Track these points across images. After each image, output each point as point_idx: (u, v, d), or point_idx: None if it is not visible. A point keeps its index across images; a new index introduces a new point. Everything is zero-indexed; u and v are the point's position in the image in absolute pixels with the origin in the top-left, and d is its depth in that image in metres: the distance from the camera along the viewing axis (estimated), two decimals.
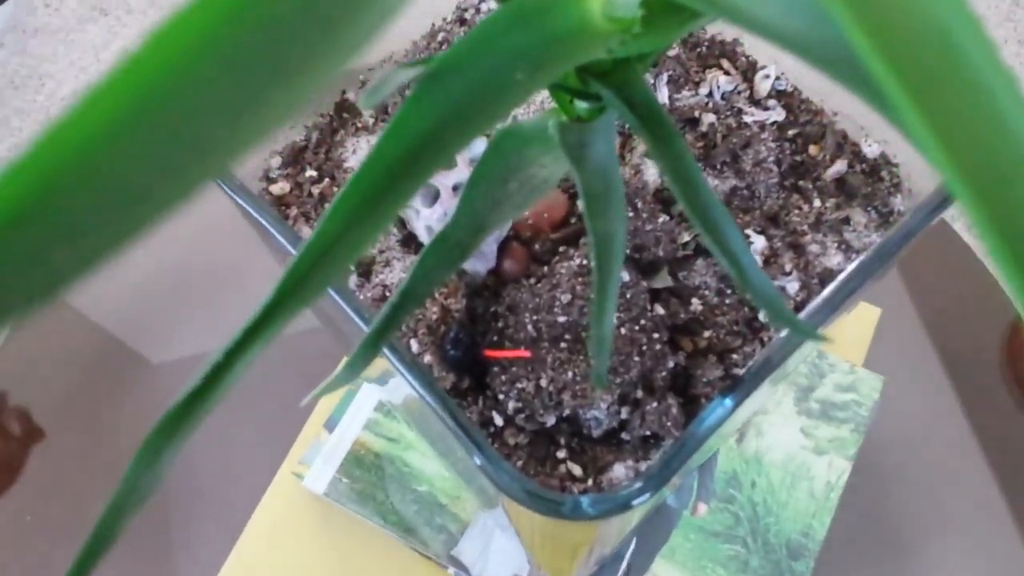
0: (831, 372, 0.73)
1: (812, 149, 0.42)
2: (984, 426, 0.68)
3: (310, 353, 0.65)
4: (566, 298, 0.36)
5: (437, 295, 0.38)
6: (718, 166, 0.41)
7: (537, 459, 0.36)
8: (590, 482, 0.36)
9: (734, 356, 0.37)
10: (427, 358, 0.36)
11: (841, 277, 0.32)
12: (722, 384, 0.36)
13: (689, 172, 0.25)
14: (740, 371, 0.36)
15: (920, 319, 0.72)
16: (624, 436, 0.37)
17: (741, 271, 0.22)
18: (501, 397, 0.36)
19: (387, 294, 0.38)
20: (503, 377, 0.36)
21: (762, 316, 0.38)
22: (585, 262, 0.37)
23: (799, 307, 0.38)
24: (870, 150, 0.41)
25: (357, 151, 0.42)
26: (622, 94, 0.28)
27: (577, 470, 0.36)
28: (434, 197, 0.37)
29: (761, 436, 0.71)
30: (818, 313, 0.32)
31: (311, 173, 0.41)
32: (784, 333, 0.34)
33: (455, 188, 0.37)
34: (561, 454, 0.36)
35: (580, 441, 0.37)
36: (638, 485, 0.30)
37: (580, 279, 0.37)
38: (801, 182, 0.41)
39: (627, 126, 0.43)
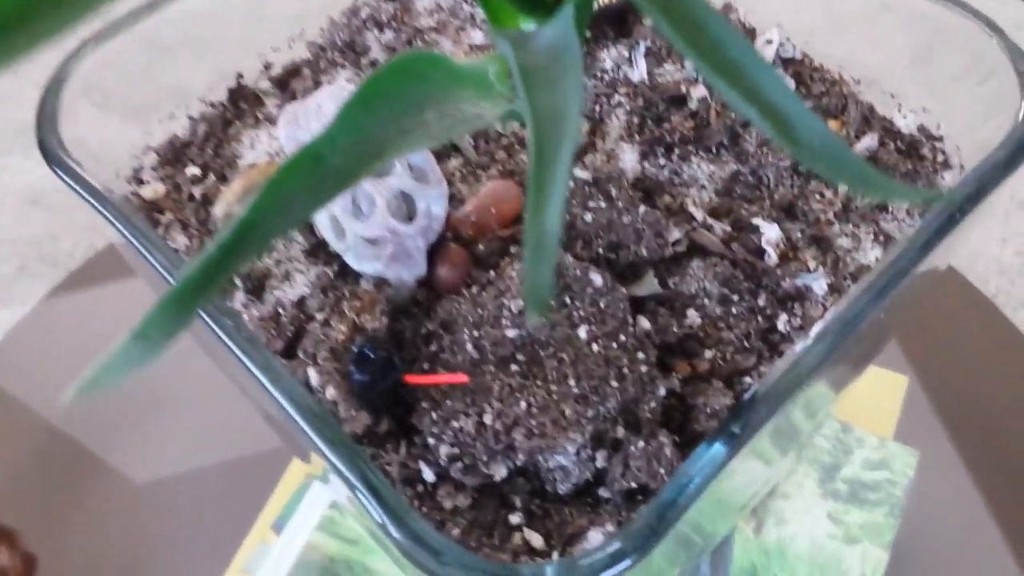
0: (858, 448, 0.64)
1: (832, 124, 0.34)
2: None
3: (261, 450, 0.57)
4: (517, 306, 0.28)
5: (347, 310, 0.29)
6: (713, 148, 0.33)
7: (482, 527, 0.27)
8: (554, 556, 0.26)
9: (747, 379, 0.28)
10: (330, 392, 0.27)
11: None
12: (733, 417, 0.27)
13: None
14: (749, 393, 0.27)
15: (950, 386, 0.64)
16: (602, 492, 0.27)
17: (786, 126, 0.13)
18: (432, 442, 0.27)
19: (282, 314, 0.29)
20: (434, 414, 0.27)
21: (782, 325, 0.29)
22: None
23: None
24: (905, 122, 0.33)
25: (256, 146, 0.33)
26: None
27: (537, 540, 0.26)
28: None
29: (783, 524, 0.61)
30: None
31: (194, 171, 0.33)
32: (813, 333, 0.24)
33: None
34: (515, 519, 0.27)
35: (542, 501, 0.28)
36: (615, 547, 0.21)
37: None
38: None
39: (599, 109, 0.34)
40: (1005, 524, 0.57)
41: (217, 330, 0.24)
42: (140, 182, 0.33)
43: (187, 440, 0.60)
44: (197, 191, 0.32)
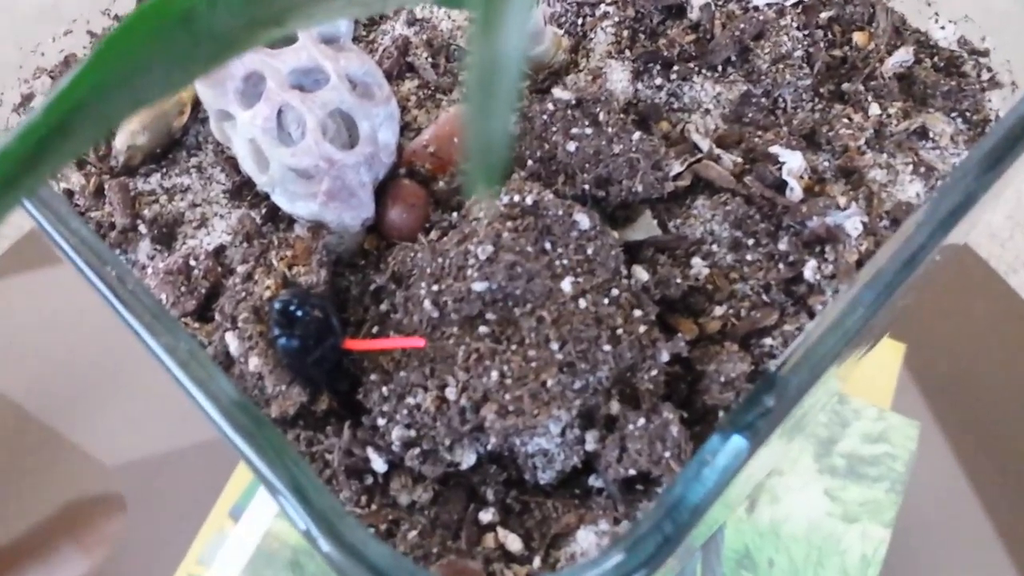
0: (856, 420, 0.61)
1: (858, 38, 0.29)
2: None
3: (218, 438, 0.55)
4: (486, 252, 0.23)
5: (276, 261, 0.24)
6: (719, 66, 0.28)
7: (446, 527, 0.22)
8: (537, 562, 0.21)
9: (768, 340, 0.23)
10: (253, 363, 0.22)
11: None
12: (752, 385, 0.22)
13: None
14: (779, 361, 0.22)
15: (948, 352, 0.61)
16: (593, 481, 0.23)
17: None
18: (382, 423, 0.22)
19: (194, 267, 0.24)
20: (385, 389, 0.22)
21: (809, 273, 0.24)
22: (517, 198, 0.23)
23: (861, 262, 0.24)
24: (943, 34, 0.28)
25: None
26: None
27: (514, 542, 0.22)
28: (258, 94, 0.22)
29: (776, 502, 0.58)
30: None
31: None
32: (861, 279, 0.20)
33: (297, 86, 0.23)
34: (487, 516, 0.22)
35: (520, 493, 0.23)
36: (616, 560, 0.16)
37: (511, 224, 0.23)
38: (846, 85, 0.28)
39: (581, 21, 0.29)
40: (1012, 500, 0.54)
41: (96, 281, 0.18)
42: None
43: (142, 424, 0.57)
44: None
